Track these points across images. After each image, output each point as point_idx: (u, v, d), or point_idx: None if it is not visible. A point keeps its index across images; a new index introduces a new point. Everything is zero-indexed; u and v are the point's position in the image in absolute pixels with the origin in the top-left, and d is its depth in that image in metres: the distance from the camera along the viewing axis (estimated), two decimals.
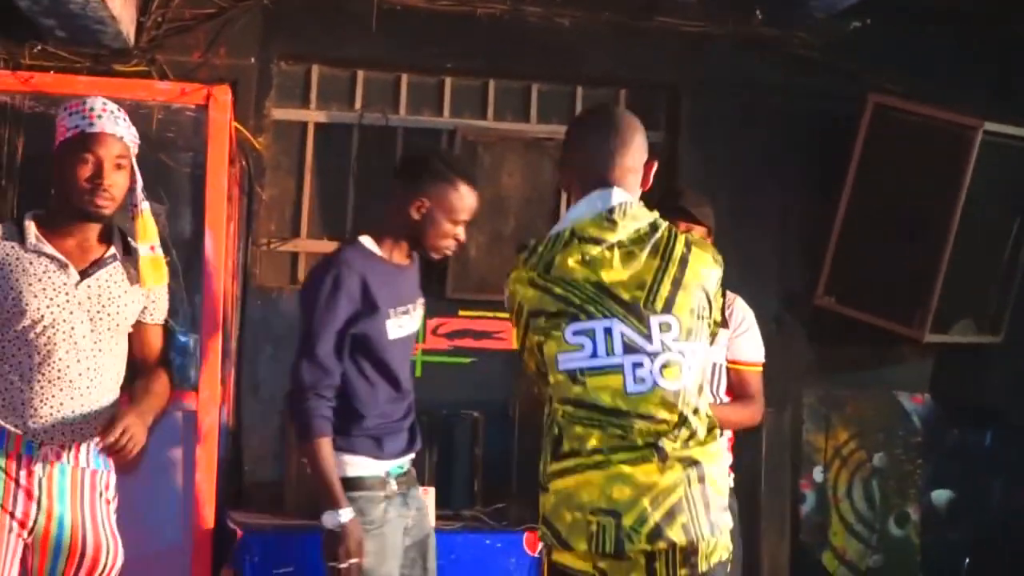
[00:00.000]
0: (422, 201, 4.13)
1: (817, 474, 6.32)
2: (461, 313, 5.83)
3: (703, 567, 3.25)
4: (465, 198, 4.17)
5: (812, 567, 6.27)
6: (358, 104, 5.89)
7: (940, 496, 6.76)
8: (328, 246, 5.81)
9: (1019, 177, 6.12)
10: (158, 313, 4.08)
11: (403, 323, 4.16)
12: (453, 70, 5.95)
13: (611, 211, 3.36)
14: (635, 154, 3.49)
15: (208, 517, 4.51)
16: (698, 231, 4.35)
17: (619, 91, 6.19)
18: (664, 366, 3.28)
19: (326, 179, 5.86)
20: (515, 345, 3.58)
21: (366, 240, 4.19)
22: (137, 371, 4.03)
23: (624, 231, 3.35)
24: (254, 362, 5.56)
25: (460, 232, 4.22)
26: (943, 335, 6.10)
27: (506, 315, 5.66)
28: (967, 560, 6.52)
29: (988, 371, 6.59)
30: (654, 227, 3.39)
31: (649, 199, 3.59)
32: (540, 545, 4.70)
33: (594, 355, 3.29)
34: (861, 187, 5.96)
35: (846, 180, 5.96)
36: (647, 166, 3.52)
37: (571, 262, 3.33)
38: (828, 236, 5.96)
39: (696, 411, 3.30)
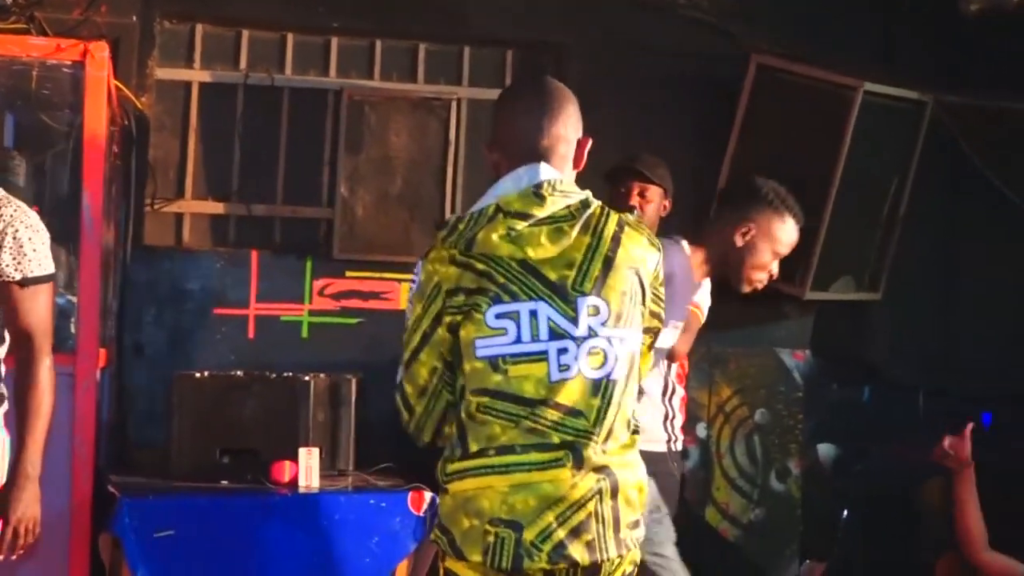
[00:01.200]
0: (748, 227, 4.10)
1: (700, 430, 6.33)
2: (348, 274, 5.74)
3: None
4: (790, 232, 4.16)
5: (695, 522, 6.27)
6: (243, 64, 5.77)
7: (825, 450, 6.82)
8: (213, 207, 5.71)
9: (898, 137, 6.18)
10: (22, 267, 3.51)
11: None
12: (339, 30, 5.84)
13: (539, 186, 2.98)
14: (566, 129, 3.09)
15: (86, 482, 4.37)
16: (655, 191, 4.32)
17: (506, 51, 6.13)
18: (590, 353, 2.94)
19: (211, 140, 5.75)
20: (410, 347, 3.01)
21: (685, 245, 4.21)
22: (17, 348, 3.66)
23: (553, 206, 2.96)
24: (138, 323, 5.45)
25: (775, 266, 4.18)
26: (823, 292, 6.17)
27: (393, 275, 5.74)
28: (845, 512, 6.59)
29: (867, 328, 6.68)
30: (585, 204, 3.01)
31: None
32: (424, 506, 4.65)
33: (518, 340, 2.92)
34: (744, 146, 6.00)
35: (730, 138, 5.95)
36: (581, 143, 3.13)
37: (495, 237, 2.94)
38: (712, 194, 5.95)
39: (616, 406, 2.97)
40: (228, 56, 5.75)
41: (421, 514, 4.65)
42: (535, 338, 2.92)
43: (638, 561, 3.05)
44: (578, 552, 2.88)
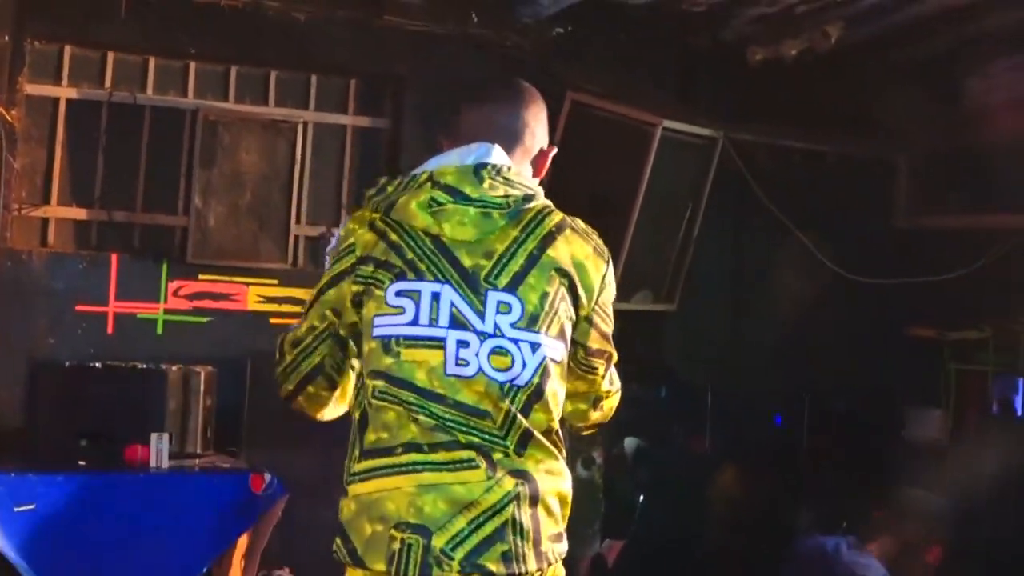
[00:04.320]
0: None
1: None
2: (201, 277, 5.78)
3: None
4: None
5: None
6: (108, 83, 5.77)
7: (629, 443, 6.99)
8: (77, 212, 5.71)
9: (693, 167, 6.36)
10: None
11: None
12: (198, 55, 5.88)
13: (482, 166, 2.52)
14: (534, 122, 2.68)
15: None
16: None
17: (350, 80, 6.22)
18: (493, 352, 2.46)
19: (76, 151, 5.74)
20: (308, 300, 2.69)
21: None
22: None
23: (490, 191, 2.50)
24: (4, 318, 5.41)
25: None
26: (625, 303, 6.27)
27: (242, 279, 5.81)
28: (641, 497, 6.79)
29: (663, 334, 6.87)
30: (528, 199, 2.53)
31: None
32: (263, 486, 4.72)
33: (414, 322, 2.46)
34: (558, 172, 6.00)
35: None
36: (544, 151, 2.72)
37: (414, 205, 2.48)
38: None
39: (527, 414, 2.47)
40: (94, 76, 5.75)
41: (260, 493, 4.69)
42: (433, 322, 2.46)
43: (563, 574, 2.56)
44: (492, 563, 2.41)
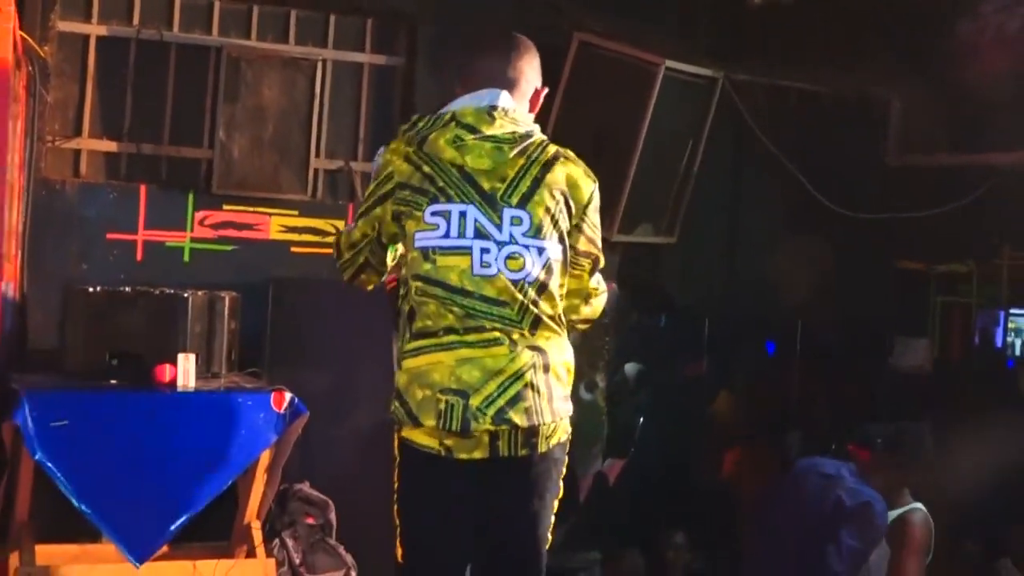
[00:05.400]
0: None
1: None
2: (225, 207, 5.75)
3: (543, 447, 3.04)
4: None
5: None
6: (136, 21, 5.72)
7: (630, 368, 7.01)
8: (107, 145, 5.70)
9: (693, 106, 6.34)
10: None
11: None
12: None
13: (493, 108, 3.06)
14: (528, 69, 3.19)
15: None
16: None
17: (366, 20, 6.15)
18: (509, 256, 3.00)
19: (106, 86, 5.69)
20: (358, 213, 3.23)
21: None
22: None
23: (500, 128, 3.04)
24: (39, 245, 5.40)
25: None
26: (628, 235, 6.31)
27: (264, 209, 5.80)
28: (641, 419, 6.82)
29: (664, 266, 6.87)
30: (528, 135, 3.08)
31: None
32: (284, 404, 4.70)
33: (447, 235, 3.00)
34: (566, 110, 6.07)
35: (553, 104, 6.06)
36: (537, 90, 3.23)
37: (442, 141, 3.02)
38: None
39: (537, 303, 3.02)
40: (122, 13, 5.69)
41: (282, 411, 4.69)
42: (461, 235, 2.99)
43: (570, 432, 3.14)
44: (518, 416, 2.97)
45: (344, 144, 6.09)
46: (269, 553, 4.90)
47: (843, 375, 7.12)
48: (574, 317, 3.25)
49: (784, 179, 6.63)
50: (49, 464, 4.32)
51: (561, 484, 3.15)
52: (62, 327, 4.99)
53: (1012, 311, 8.28)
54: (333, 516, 5.26)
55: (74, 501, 4.35)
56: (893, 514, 4.53)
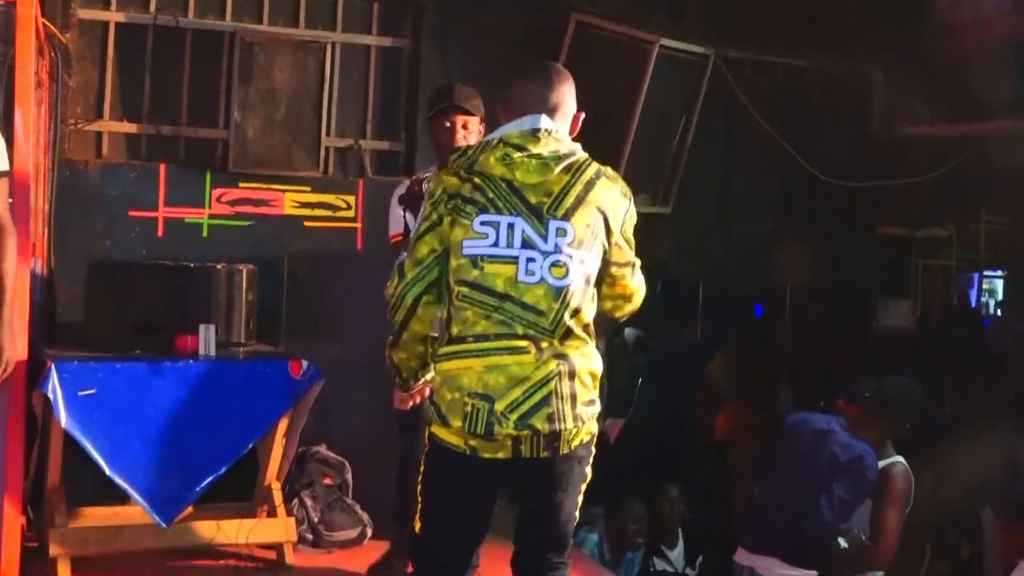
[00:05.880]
0: None
1: None
2: (241, 184, 5.70)
3: (564, 450, 3.00)
4: None
5: None
6: (152, 8, 5.66)
7: (629, 333, 6.99)
8: (128, 127, 5.64)
9: (687, 82, 6.30)
10: None
11: None
12: None
13: (537, 130, 3.05)
14: (565, 98, 3.14)
15: (21, 350, 4.32)
16: (474, 121, 4.10)
17: (374, 3, 6.07)
18: (553, 265, 2.96)
19: (125, 71, 5.63)
20: (418, 233, 3.09)
21: None
22: None
23: (545, 148, 3.02)
24: (64, 222, 5.35)
25: None
26: None
27: (278, 186, 5.75)
28: (639, 381, 6.80)
29: (659, 234, 6.82)
30: (571, 153, 3.06)
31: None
32: (301, 371, 4.66)
33: (495, 244, 2.97)
34: None
35: None
36: (575, 117, 3.19)
37: (492, 160, 3.01)
38: None
39: (576, 312, 2.98)
40: (139, 1, 5.63)
41: (299, 378, 4.64)
42: (509, 245, 2.96)
43: (595, 432, 3.08)
44: (540, 423, 2.93)
45: (353, 123, 6.03)
46: (289, 512, 4.87)
47: (830, 336, 7.11)
48: (617, 314, 3.27)
49: (773, 151, 6.61)
50: (77, 431, 4.28)
51: (588, 472, 3.12)
52: (88, 301, 4.94)
53: (986, 273, 8.29)
54: (349, 476, 5.23)
55: (102, 466, 4.31)
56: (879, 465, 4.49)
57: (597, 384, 3.05)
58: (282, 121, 5.73)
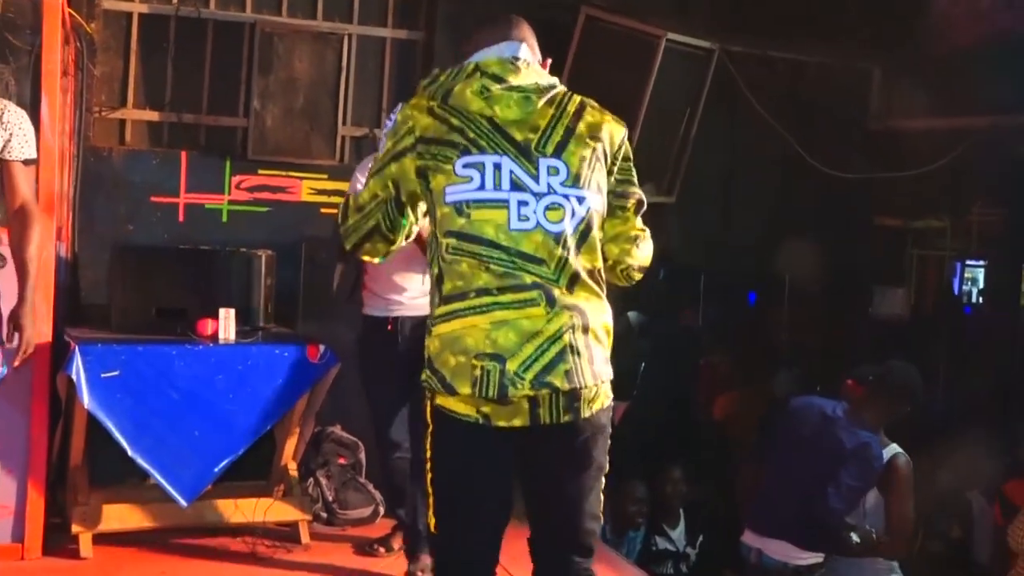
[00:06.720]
0: None
1: None
2: (260, 172, 5.60)
3: (585, 412, 2.59)
4: None
5: None
6: None
7: (632, 317, 6.93)
8: (150, 115, 5.54)
9: (692, 76, 6.22)
10: (17, 150, 3.67)
11: None
12: None
13: (516, 58, 2.68)
14: (529, 42, 2.79)
15: (46, 332, 4.25)
16: None
17: None
18: (549, 207, 2.57)
19: (148, 60, 5.53)
20: (370, 172, 2.72)
21: None
22: (9, 215, 3.70)
23: (525, 79, 2.65)
24: (88, 207, 5.27)
25: None
26: None
27: (296, 173, 5.65)
28: (643, 364, 6.74)
29: (663, 223, 6.73)
30: (552, 86, 2.70)
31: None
32: (319, 355, 4.57)
33: (481, 188, 2.56)
34: (574, 79, 5.93)
35: (563, 74, 5.92)
36: (543, 61, 2.82)
37: (469, 93, 2.61)
38: None
39: (577, 256, 2.59)
40: None
41: (316, 361, 4.57)
42: (497, 187, 2.57)
43: (612, 397, 2.69)
44: (558, 379, 2.52)
45: (369, 112, 5.92)
46: (304, 491, 4.84)
47: (828, 321, 7.04)
48: (629, 261, 2.79)
49: (775, 143, 6.53)
50: (100, 412, 4.22)
51: (606, 462, 2.74)
52: (111, 284, 4.88)
53: (968, 262, 8.18)
54: (363, 456, 5.18)
55: (124, 446, 4.27)
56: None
57: (611, 340, 2.67)
58: (300, 110, 5.64)
